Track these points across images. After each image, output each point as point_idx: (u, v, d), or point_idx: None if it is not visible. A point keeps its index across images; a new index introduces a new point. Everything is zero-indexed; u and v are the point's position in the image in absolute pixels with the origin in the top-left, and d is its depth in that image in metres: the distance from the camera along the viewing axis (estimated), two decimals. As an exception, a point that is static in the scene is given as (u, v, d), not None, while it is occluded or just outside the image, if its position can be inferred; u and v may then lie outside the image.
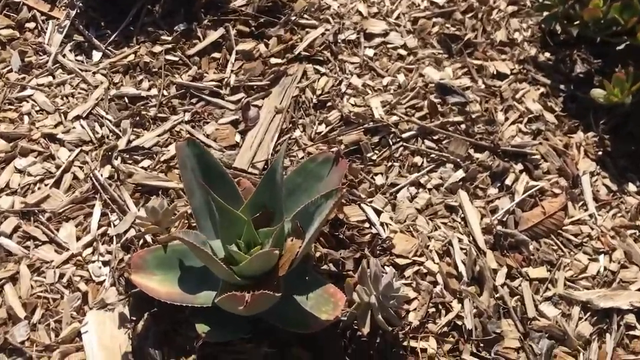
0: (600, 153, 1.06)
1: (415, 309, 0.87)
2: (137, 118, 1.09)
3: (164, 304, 0.81)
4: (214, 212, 0.83)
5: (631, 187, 1.02)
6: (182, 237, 0.75)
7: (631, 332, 0.88)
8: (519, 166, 1.03)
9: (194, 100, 1.13)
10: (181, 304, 0.81)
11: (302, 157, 1.04)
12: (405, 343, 0.83)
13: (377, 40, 1.21)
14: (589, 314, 0.88)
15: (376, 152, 1.04)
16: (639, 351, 0.85)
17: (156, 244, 0.91)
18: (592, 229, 0.97)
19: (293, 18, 1.23)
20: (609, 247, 0.95)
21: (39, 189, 0.99)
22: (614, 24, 1.08)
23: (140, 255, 0.85)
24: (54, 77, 1.16)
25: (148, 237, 0.94)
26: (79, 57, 1.19)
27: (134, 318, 0.86)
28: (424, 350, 0.83)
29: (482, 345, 0.85)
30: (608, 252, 0.95)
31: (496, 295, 0.89)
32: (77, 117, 1.10)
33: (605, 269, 0.93)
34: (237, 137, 1.07)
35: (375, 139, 1.05)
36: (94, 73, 1.16)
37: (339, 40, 1.20)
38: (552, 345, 0.84)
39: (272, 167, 0.84)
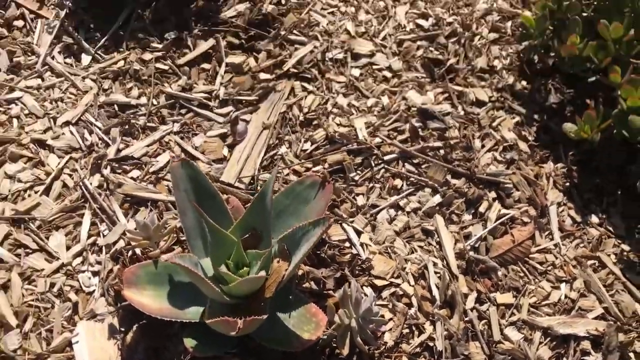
0: (567, 184, 1.11)
1: (390, 329, 0.93)
2: (127, 126, 1.11)
3: (153, 316, 0.85)
4: (205, 233, 0.87)
5: (594, 219, 1.07)
6: (179, 262, 0.79)
7: (586, 358, 0.94)
8: (493, 194, 1.09)
9: (183, 111, 1.15)
10: (170, 319, 0.85)
11: (287, 174, 1.08)
12: (380, 362, 0.89)
13: (364, 60, 1.25)
14: (549, 339, 0.94)
15: (359, 172, 1.09)
16: (593, 376, 0.92)
17: (145, 257, 0.94)
18: (556, 257, 1.03)
19: (283, 33, 1.26)
20: (570, 276, 1.01)
21: (29, 196, 1.01)
22: (588, 62, 1.14)
23: (132, 271, 0.88)
24: (42, 80, 1.17)
25: (137, 249, 0.96)
26: (68, 60, 1.20)
27: (123, 329, 0.89)
28: (397, 369, 0.89)
29: (450, 365, 0.91)
30: (569, 280, 1.00)
31: (466, 319, 0.94)
32: (67, 123, 1.11)
33: (565, 296, 0.99)
34: (225, 151, 1.11)
35: (359, 160, 1.10)
36: (84, 78, 1.17)
37: (327, 59, 1.24)
38: (515, 368, 0.92)
39: (263, 191, 0.87)
